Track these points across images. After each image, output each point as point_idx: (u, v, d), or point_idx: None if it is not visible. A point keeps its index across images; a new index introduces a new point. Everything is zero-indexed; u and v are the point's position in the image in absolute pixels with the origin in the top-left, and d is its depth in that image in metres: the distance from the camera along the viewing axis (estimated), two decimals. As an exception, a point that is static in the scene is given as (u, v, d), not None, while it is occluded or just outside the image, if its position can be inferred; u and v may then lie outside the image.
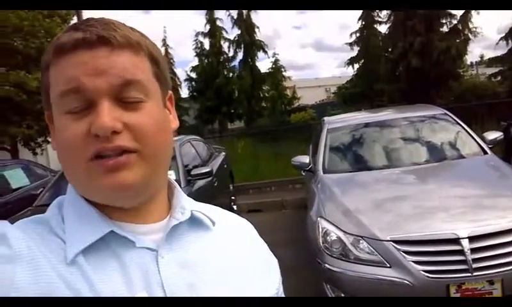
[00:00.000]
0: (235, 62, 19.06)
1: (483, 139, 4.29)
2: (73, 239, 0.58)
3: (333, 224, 3.15)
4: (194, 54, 19.39)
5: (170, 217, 0.66)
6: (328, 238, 3.10)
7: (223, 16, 18.75)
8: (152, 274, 0.59)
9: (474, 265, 2.59)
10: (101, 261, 0.58)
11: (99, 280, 0.56)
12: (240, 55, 18.82)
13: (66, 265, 0.56)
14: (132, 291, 0.57)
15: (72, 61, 0.57)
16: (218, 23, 18.79)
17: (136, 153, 0.58)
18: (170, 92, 0.70)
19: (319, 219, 3.30)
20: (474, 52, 33.51)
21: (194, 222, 0.68)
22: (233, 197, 7.40)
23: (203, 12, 18.75)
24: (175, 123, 0.70)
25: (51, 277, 0.54)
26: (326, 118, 5.59)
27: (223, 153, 7.51)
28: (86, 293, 0.55)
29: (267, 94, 18.23)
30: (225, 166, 7.11)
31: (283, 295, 0.78)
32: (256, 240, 0.78)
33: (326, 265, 2.99)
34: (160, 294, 0.58)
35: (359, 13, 17.28)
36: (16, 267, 0.53)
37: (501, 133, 4.48)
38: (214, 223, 0.70)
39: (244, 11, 18.21)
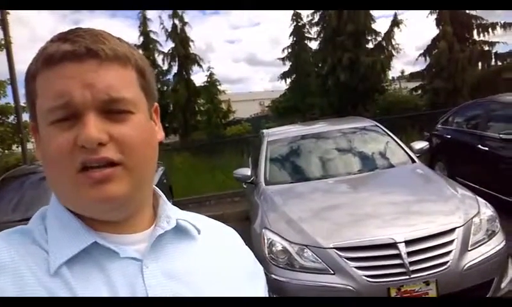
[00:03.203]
0: (170, 76, 18.76)
1: (411, 148, 4.59)
2: (57, 250, 0.58)
3: (278, 235, 3.21)
4: (128, 67, 18.80)
5: (155, 226, 0.66)
6: (274, 248, 3.14)
7: (157, 29, 18.39)
8: (136, 284, 0.59)
9: (411, 268, 2.76)
10: (85, 272, 0.58)
11: (83, 291, 0.56)
12: (174, 69, 18.57)
13: (49, 276, 0.56)
14: None
15: (60, 73, 0.57)
16: (152, 35, 18.44)
17: (121, 166, 0.58)
18: (156, 104, 0.70)
19: (263, 230, 3.34)
20: (396, 68, 36.15)
21: (179, 231, 0.68)
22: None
23: (136, 25, 18.32)
24: (161, 135, 0.70)
25: (34, 288, 0.54)
26: (265, 131, 5.69)
27: (162, 168, 7.37)
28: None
29: (202, 108, 18.05)
30: (165, 181, 6.99)
31: None
32: (241, 248, 0.79)
33: (272, 275, 3.03)
34: None
35: (290, 29, 17.93)
36: None
37: (427, 143, 4.83)
38: (199, 232, 0.70)
39: (178, 25, 18.05)
